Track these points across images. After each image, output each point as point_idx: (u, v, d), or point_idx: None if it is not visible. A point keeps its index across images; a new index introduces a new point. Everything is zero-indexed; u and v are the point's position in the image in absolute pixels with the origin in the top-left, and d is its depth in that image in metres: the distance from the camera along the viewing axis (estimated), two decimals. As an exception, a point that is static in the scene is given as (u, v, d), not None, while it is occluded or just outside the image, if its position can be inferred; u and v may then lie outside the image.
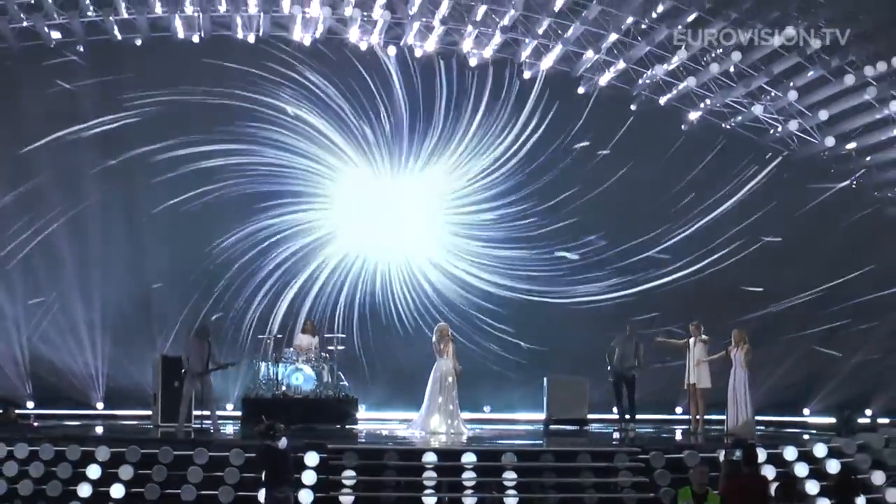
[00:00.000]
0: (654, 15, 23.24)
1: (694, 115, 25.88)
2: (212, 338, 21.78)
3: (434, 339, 21.82)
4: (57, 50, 24.53)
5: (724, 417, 21.72)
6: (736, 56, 23.65)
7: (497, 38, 24.83)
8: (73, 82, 24.75)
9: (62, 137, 24.74)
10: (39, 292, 24.89)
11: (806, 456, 18.96)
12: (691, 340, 22.18)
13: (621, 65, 24.97)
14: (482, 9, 23.87)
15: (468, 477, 18.44)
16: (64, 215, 24.91)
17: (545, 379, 23.57)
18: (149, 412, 23.00)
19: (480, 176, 26.15)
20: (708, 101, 25.51)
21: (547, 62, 25.38)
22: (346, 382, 23.69)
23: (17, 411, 23.38)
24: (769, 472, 17.65)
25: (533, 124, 25.94)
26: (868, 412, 24.37)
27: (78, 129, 24.82)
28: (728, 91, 24.86)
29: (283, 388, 22.95)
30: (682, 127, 26.06)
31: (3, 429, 21.10)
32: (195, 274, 25.22)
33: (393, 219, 26.28)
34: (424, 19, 24.46)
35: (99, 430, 21.76)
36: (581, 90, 25.94)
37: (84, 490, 17.94)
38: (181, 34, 24.65)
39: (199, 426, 21.47)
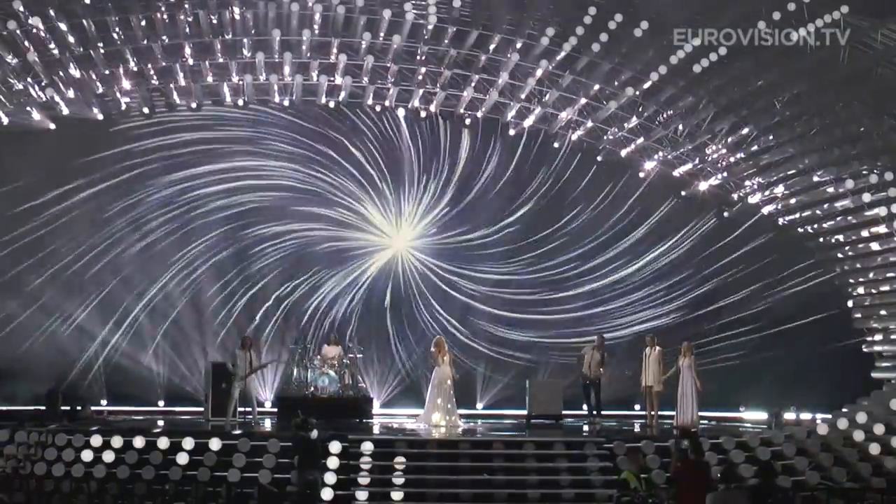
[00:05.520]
0: (616, 83, 23.34)
1: (649, 165, 25.96)
2: (253, 347, 21.91)
3: (432, 349, 21.91)
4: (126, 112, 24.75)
5: (674, 413, 21.78)
6: (682, 117, 23.80)
7: (488, 102, 24.95)
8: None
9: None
10: (111, 308, 24.93)
11: (742, 445, 19.05)
12: (647, 349, 22.26)
13: (590, 123, 25.04)
14: (476, 77, 24.00)
15: (464, 461, 18.51)
16: (132, 245, 25.03)
17: (528, 381, 23.62)
18: (201, 409, 23.04)
19: (474, 215, 26.26)
20: (661, 154, 25.59)
21: (528, 121, 25.48)
22: (363, 384, 23.73)
23: (92, 408, 23.41)
24: (711, 458, 17.72)
25: (515, 172, 26.12)
26: (793, 409, 24.36)
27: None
28: (677, 145, 24.96)
29: (312, 388, 23.00)
30: (640, 174, 26.14)
31: (81, 422, 21.19)
32: (241, 295, 25.34)
33: (404, 256, 26.32)
34: (428, 86, 24.63)
35: (160, 423, 21.81)
36: (556, 144, 26.02)
37: (148, 473, 18.01)
38: (228, 99, 24.80)
39: (242, 420, 21.54)
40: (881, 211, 21.96)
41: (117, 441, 18.51)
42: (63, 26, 21.25)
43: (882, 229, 22.58)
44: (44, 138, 24.27)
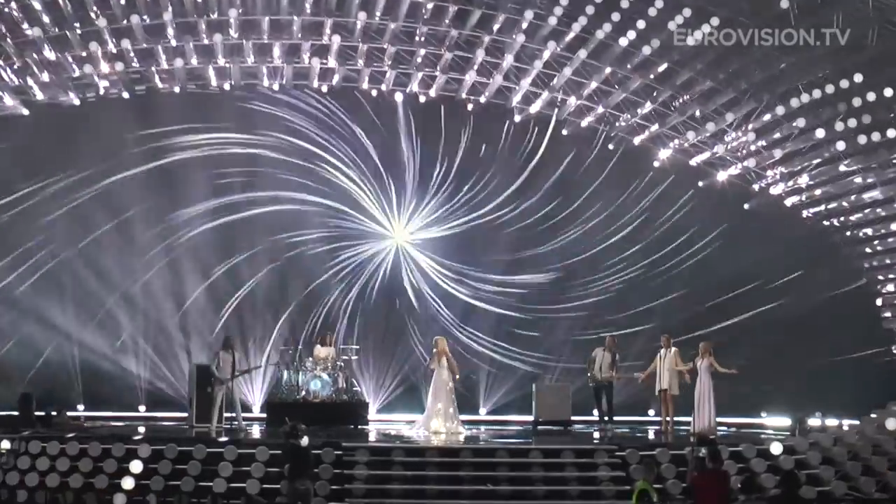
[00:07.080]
0: (628, 66, 23.22)
1: (664, 153, 25.82)
2: (237, 348, 21.84)
3: (433, 351, 21.77)
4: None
5: (690, 419, 21.63)
6: (700, 102, 23.69)
7: (492, 86, 24.80)
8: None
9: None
10: (91, 309, 24.77)
11: (763, 453, 18.90)
12: (662, 351, 22.11)
13: (601, 109, 24.94)
14: (479, 60, 23.88)
15: (465, 471, 18.40)
16: (111, 241, 24.86)
17: (533, 385, 23.50)
18: (185, 414, 22.94)
19: (477, 207, 26.12)
20: (676, 142, 25.46)
21: (535, 107, 25.33)
22: (358, 388, 23.64)
23: (68, 413, 23.28)
24: (731, 467, 17.57)
25: (521, 161, 25.97)
26: (818, 414, 24.24)
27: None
28: (693, 132, 24.80)
29: (303, 392, 22.88)
30: (655, 164, 26.00)
31: (56, 428, 21.05)
32: (224, 293, 25.19)
33: (403, 250, 26.18)
34: (428, 69, 24.49)
35: (141, 430, 21.68)
36: (565, 132, 25.88)
37: (127, 483, 17.86)
38: (214, 83, 24.64)
39: (229, 426, 21.46)
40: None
41: (95, 449, 18.34)
42: (37, 5, 21.11)
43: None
44: (17, 125, 24.12)
